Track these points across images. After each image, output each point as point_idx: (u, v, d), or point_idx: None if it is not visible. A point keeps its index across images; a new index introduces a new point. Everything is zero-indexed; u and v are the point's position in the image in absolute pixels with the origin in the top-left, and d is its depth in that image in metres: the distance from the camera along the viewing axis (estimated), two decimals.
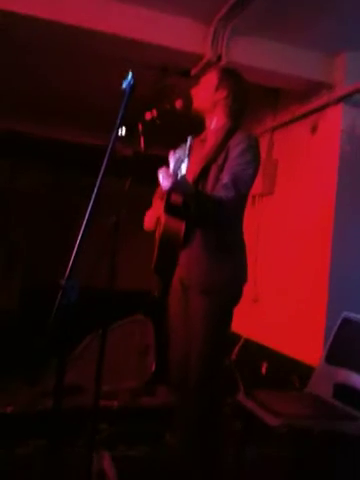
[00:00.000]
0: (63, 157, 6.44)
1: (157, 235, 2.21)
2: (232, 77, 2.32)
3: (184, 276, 2.26)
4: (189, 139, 1.94)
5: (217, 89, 2.28)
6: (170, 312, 2.39)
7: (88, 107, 5.10)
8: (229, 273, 2.20)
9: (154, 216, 2.30)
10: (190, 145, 1.96)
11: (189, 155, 1.95)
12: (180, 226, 2.08)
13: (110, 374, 3.35)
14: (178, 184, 1.92)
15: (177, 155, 1.92)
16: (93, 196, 1.56)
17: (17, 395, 3.16)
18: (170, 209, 2.06)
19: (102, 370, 2.05)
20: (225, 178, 2.11)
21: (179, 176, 1.88)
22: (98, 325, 2.25)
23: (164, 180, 1.91)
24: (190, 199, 1.99)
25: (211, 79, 2.31)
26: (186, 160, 1.89)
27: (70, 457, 2.51)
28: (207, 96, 2.29)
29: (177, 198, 2.03)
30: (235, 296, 2.27)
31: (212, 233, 2.18)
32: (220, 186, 2.10)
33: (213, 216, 2.11)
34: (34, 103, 5.05)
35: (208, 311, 2.16)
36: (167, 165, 1.97)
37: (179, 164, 1.90)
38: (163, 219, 2.11)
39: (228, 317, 2.26)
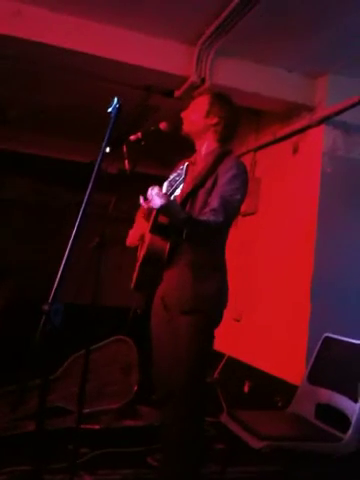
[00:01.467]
0: (48, 172, 6.45)
1: (140, 253, 2.22)
2: (223, 103, 2.34)
3: (166, 295, 2.26)
4: (185, 165, 1.97)
5: (208, 115, 2.31)
6: (152, 331, 2.39)
7: (73, 124, 5.13)
8: (211, 294, 2.21)
9: (137, 233, 2.32)
10: (186, 170, 1.98)
11: (184, 180, 1.97)
12: (165, 245, 2.10)
13: (92, 395, 3.33)
14: (169, 205, 1.94)
15: (172, 177, 1.95)
16: (79, 215, 1.56)
17: None
18: (157, 228, 2.07)
19: (84, 392, 2.03)
20: (214, 203, 2.13)
21: (172, 197, 1.90)
22: (80, 345, 2.24)
23: (156, 198, 1.92)
24: (181, 222, 2.01)
25: (202, 104, 2.33)
26: (181, 185, 1.91)
27: None
28: (198, 120, 2.32)
29: (164, 218, 2.05)
30: (216, 316, 2.27)
31: (195, 254, 2.20)
32: (208, 210, 2.12)
33: (202, 239, 2.14)
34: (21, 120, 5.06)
35: (189, 330, 2.16)
36: (158, 184, 2.00)
37: (174, 186, 1.92)
38: (148, 237, 2.13)
39: (209, 337, 2.26)
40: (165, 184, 1.96)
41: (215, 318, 2.26)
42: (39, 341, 1.34)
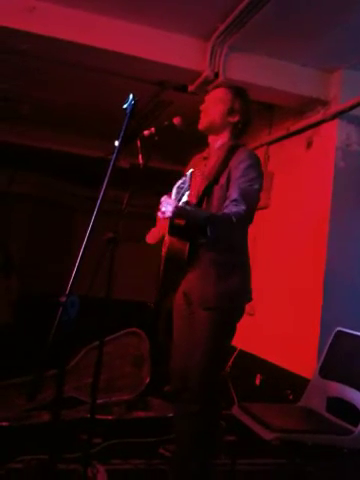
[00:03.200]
0: (57, 167, 6.48)
1: (163, 253, 2.25)
2: (244, 101, 2.35)
3: (188, 291, 2.28)
4: (190, 172, 1.99)
5: (231, 112, 2.31)
6: (173, 324, 2.41)
7: (84, 120, 5.15)
8: (233, 291, 2.23)
9: (159, 233, 2.33)
10: (190, 177, 2.01)
11: (190, 186, 2.00)
12: (184, 246, 2.13)
13: (105, 387, 3.37)
14: (181, 210, 1.96)
15: (179, 184, 1.98)
16: (95, 211, 1.59)
17: (12, 409, 3.15)
18: (174, 231, 2.11)
19: (98, 383, 2.06)
20: (234, 194, 2.13)
21: (181, 203, 1.92)
22: (93, 337, 2.27)
23: (168, 207, 1.95)
24: (202, 221, 2.02)
25: (224, 100, 2.32)
26: (187, 192, 1.94)
27: (64, 472, 2.51)
28: (220, 117, 2.31)
29: (180, 220, 2.08)
30: (238, 312, 2.29)
31: (217, 251, 2.21)
32: (229, 202, 2.13)
33: (227, 233, 2.14)
34: (35, 114, 5.10)
35: (211, 326, 2.19)
36: (169, 193, 2.05)
37: (182, 193, 1.95)
38: (168, 239, 2.16)
39: (231, 333, 2.28)
40: (173, 190, 2.00)
41: (237, 314, 2.28)
42: (55, 332, 1.37)
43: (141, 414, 3.34)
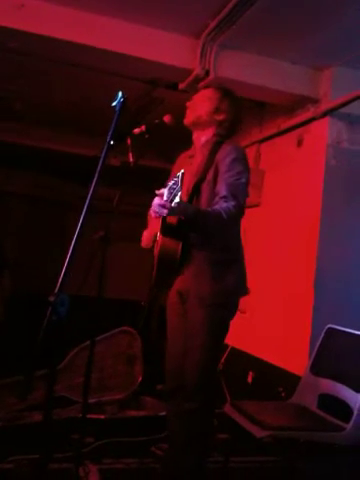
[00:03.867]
0: (51, 166, 6.46)
1: (155, 253, 2.24)
2: (232, 100, 2.36)
3: (183, 289, 2.28)
4: (181, 172, 1.99)
5: (217, 111, 2.32)
6: (168, 323, 2.41)
7: (77, 118, 5.13)
8: (229, 287, 2.24)
9: (151, 235, 2.33)
10: (182, 177, 2.01)
11: (182, 187, 1.99)
12: (177, 245, 2.13)
13: (97, 386, 3.37)
14: (174, 211, 1.96)
15: (170, 184, 1.97)
16: (85, 208, 1.58)
17: (3, 408, 3.13)
18: (166, 230, 2.11)
19: (89, 382, 2.06)
20: (222, 191, 2.14)
21: (174, 203, 1.92)
22: (85, 336, 2.26)
23: (161, 209, 1.94)
24: (190, 217, 2.02)
25: (212, 98, 2.34)
26: (179, 193, 1.94)
27: (56, 471, 2.50)
28: (206, 114, 2.32)
29: (172, 219, 2.08)
30: (233, 308, 2.30)
31: (211, 248, 2.22)
32: (219, 199, 2.14)
33: (218, 229, 2.14)
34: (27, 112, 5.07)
35: (208, 323, 2.19)
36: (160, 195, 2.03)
37: (174, 193, 1.95)
38: (160, 238, 2.16)
39: (225, 329, 2.29)
40: (165, 191, 1.99)
41: (232, 310, 2.29)
42: (45, 331, 1.36)
43: (133, 413, 3.33)
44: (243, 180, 2.19)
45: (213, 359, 2.28)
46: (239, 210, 2.14)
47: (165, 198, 1.97)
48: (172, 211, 1.95)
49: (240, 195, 2.15)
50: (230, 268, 2.24)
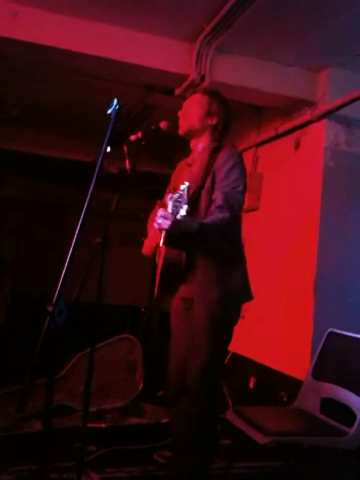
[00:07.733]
0: (47, 171, 6.46)
1: (158, 261, 2.23)
2: (221, 102, 2.36)
3: (188, 296, 2.28)
4: (186, 184, 1.98)
5: (208, 115, 2.32)
6: (172, 329, 2.41)
7: (73, 123, 5.13)
8: (233, 292, 2.24)
9: (152, 243, 2.32)
10: (188, 189, 1.99)
11: (188, 200, 1.98)
12: (181, 254, 2.13)
13: (98, 394, 3.34)
14: (179, 224, 1.95)
15: (175, 197, 1.95)
16: (82, 214, 1.57)
17: (3, 418, 3.11)
18: (169, 240, 2.09)
19: (90, 391, 2.04)
20: (218, 200, 2.14)
21: (178, 216, 1.91)
22: (85, 343, 2.25)
23: (164, 221, 1.93)
24: (194, 233, 2.02)
25: (201, 104, 2.34)
26: (185, 206, 1.92)
27: None
28: (198, 121, 2.33)
29: (175, 231, 2.05)
30: (237, 314, 2.29)
31: (214, 255, 2.21)
32: (214, 208, 2.14)
33: (218, 242, 2.14)
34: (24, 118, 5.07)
35: (213, 329, 2.19)
36: (164, 206, 2.02)
37: (179, 206, 1.93)
38: (162, 249, 2.14)
39: (229, 334, 2.28)
40: (170, 203, 1.97)
41: (236, 316, 2.29)
42: (44, 341, 1.35)
43: (135, 420, 3.31)
44: (240, 188, 2.19)
45: (217, 364, 2.27)
46: (233, 220, 2.16)
47: (170, 210, 1.95)
48: (177, 224, 1.95)
49: (236, 204, 2.17)
50: (234, 274, 2.25)
